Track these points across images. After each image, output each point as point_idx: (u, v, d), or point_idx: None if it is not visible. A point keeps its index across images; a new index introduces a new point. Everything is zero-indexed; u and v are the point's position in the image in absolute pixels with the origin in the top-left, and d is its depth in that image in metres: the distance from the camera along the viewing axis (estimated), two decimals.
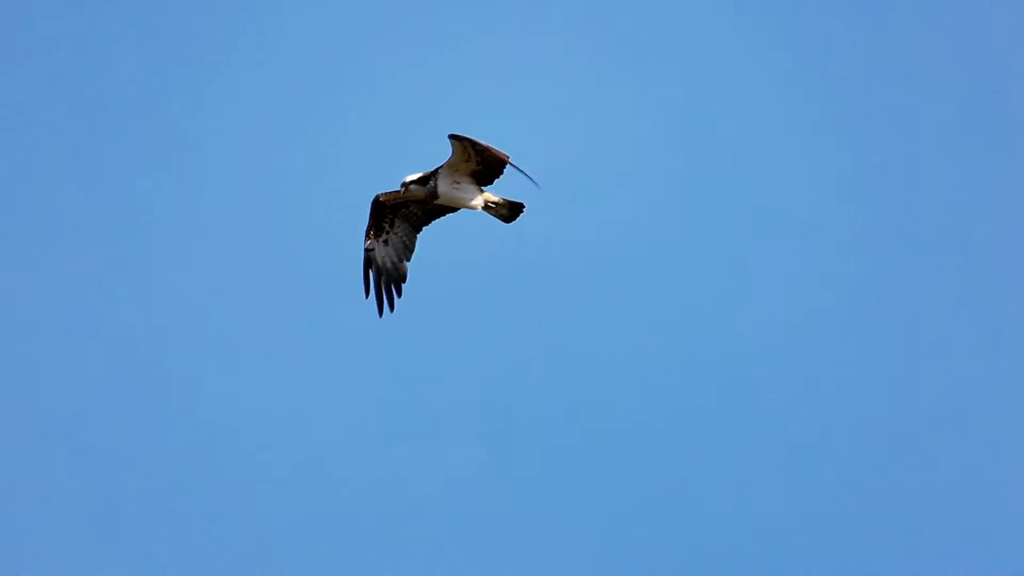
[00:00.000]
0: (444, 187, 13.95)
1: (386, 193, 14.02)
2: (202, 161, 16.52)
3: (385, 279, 14.04)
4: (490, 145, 13.42)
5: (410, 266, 14.02)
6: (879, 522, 15.00)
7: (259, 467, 15.50)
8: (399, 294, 14.03)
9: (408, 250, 14.07)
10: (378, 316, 13.88)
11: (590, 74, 16.44)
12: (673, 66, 16.51)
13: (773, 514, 15.03)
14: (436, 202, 14.05)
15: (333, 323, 15.32)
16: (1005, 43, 16.39)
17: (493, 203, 14.17)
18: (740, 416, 15.46)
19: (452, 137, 13.59)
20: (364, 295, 13.97)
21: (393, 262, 14.07)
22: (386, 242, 14.05)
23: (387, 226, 14.01)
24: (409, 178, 13.95)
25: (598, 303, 15.84)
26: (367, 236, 13.96)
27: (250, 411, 15.60)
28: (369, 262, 14.03)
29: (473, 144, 13.51)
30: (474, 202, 14.12)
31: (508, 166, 13.71)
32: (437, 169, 13.89)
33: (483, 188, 14.04)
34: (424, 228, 14.07)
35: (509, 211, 14.29)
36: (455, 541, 15.16)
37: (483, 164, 13.79)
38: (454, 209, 14.11)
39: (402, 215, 14.09)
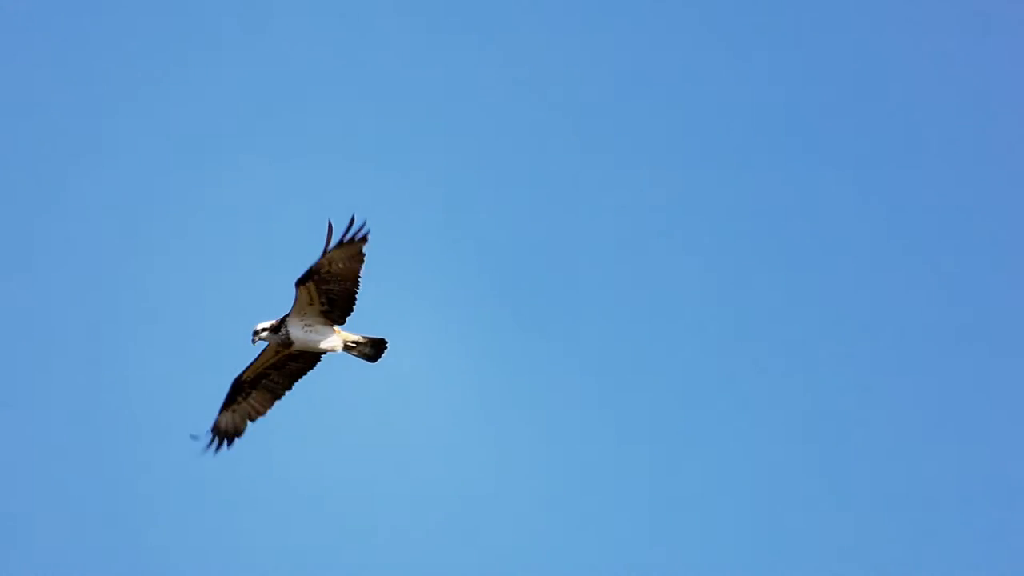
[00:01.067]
0: (296, 332, 13.64)
1: (247, 368, 13.82)
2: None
3: (221, 436, 13.88)
4: (327, 247, 13.09)
5: (252, 425, 13.91)
6: None
7: None
8: (228, 445, 13.89)
9: (256, 413, 13.89)
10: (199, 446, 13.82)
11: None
12: None
13: None
14: (293, 349, 13.75)
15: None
16: None
17: (353, 342, 13.81)
18: None
19: (299, 285, 13.34)
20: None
21: (235, 424, 13.92)
22: (234, 411, 13.90)
23: (240, 398, 13.86)
24: (259, 326, 13.67)
25: None
26: (219, 412, 13.85)
27: None
28: (214, 427, 13.93)
29: (317, 275, 13.19)
30: (331, 343, 13.77)
31: (355, 299, 13.47)
32: (285, 316, 13.60)
33: (337, 327, 13.71)
34: (286, 394, 13.90)
35: (371, 349, 13.93)
36: None
37: (329, 304, 13.48)
38: (315, 360, 13.82)
39: (262, 386, 13.88)
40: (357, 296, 13.53)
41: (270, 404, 13.89)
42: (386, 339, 13.88)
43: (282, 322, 13.58)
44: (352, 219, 13.00)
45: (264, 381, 13.86)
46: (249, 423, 13.90)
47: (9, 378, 15.83)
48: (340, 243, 13.06)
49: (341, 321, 13.68)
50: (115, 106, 16.66)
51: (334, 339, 13.72)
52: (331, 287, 13.39)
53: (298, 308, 13.52)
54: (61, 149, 16.58)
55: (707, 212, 16.47)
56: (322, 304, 13.47)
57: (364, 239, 13.12)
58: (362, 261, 13.30)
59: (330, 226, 13.01)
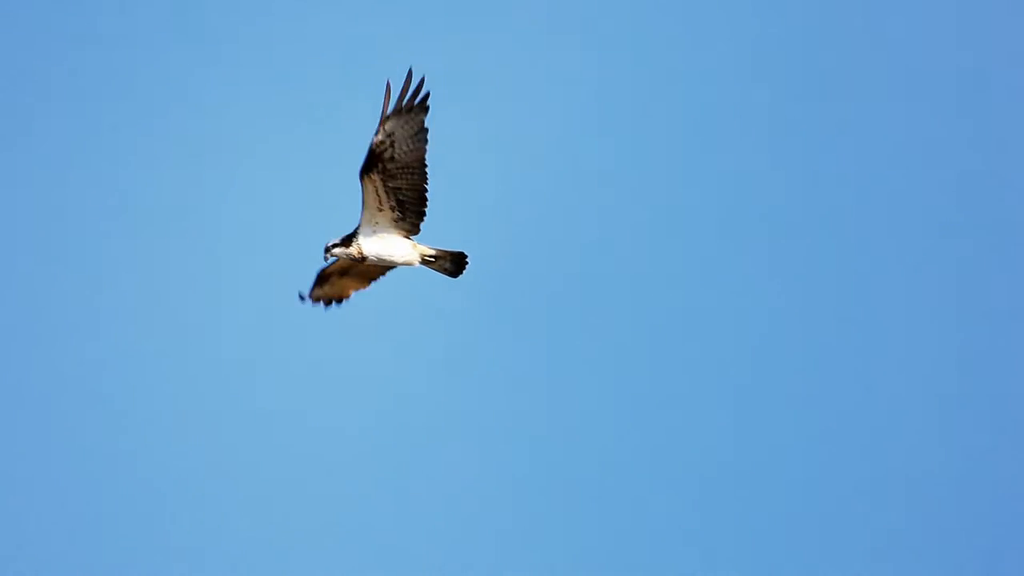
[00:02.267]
0: (369, 245, 12.90)
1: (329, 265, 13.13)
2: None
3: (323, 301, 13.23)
4: (385, 112, 12.33)
5: (355, 294, 13.17)
6: None
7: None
8: (338, 304, 13.20)
9: (353, 289, 13.15)
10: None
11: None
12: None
13: None
14: (367, 264, 13.02)
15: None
16: None
17: (430, 256, 13.04)
18: None
19: (363, 175, 12.62)
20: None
21: (335, 294, 13.21)
22: (328, 287, 13.22)
23: (330, 283, 13.18)
24: (331, 241, 12.97)
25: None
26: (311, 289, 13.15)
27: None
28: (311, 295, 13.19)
29: (380, 161, 12.44)
30: (408, 257, 13.01)
31: (426, 198, 12.72)
32: (356, 228, 12.89)
33: (412, 238, 12.96)
34: (381, 278, 13.15)
35: (452, 264, 13.15)
36: None
37: (400, 207, 12.75)
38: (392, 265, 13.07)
39: (351, 274, 13.15)
40: (428, 195, 12.80)
41: (367, 284, 13.19)
42: (466, 253, 13.11)
43: (353, 234, 12.88)
44: (410, 73, 12.35)
45: (352, 271, 13.16)
46: (353, 292, 13.19)
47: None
48: (399, 109, 12.37)
49: (415, 230, 12.94)
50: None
51: (410, 252, 12.98)
52: (398, 183, 12.67)
53: (368, 216, 12.81)
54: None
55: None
56: (392, 208, 12.74)
57: (424, 105, 12.40)
58: (426, 141, 12.56)
59: (388, 87, 12.37)
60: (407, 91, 12.42)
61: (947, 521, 14.67)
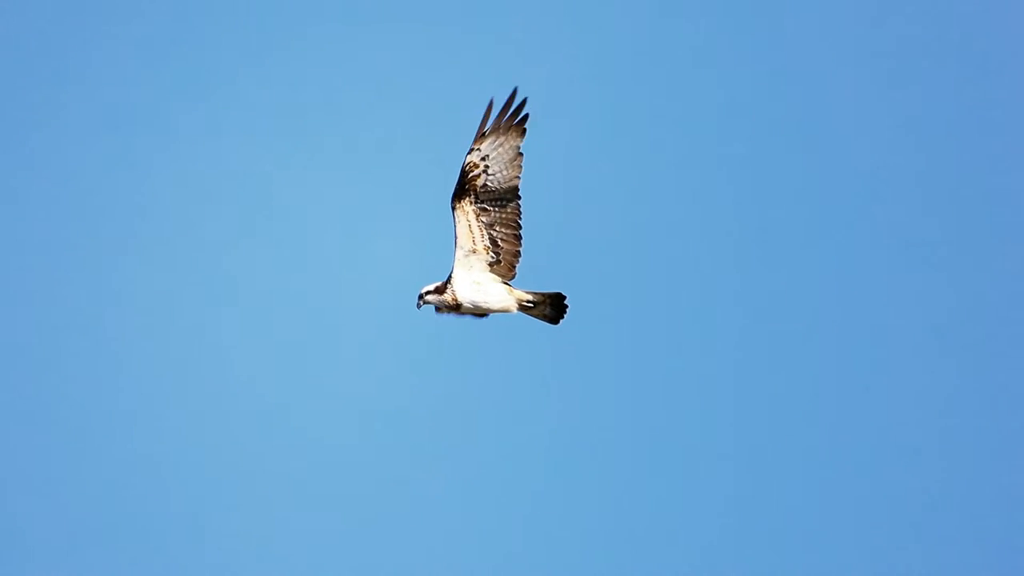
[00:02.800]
0: (464, 291, 12.33)
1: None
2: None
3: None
4: (483, 127, 11.77)
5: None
6: None
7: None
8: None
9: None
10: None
11: None
12: None
13: None
14: (462, 311, 12.48)
15: None
16: None
17: (529, 302, 12.45)
18: None
19: (455, 201, 12.12)
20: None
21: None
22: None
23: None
24: (424, 289, 12.45)
25: None
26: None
27: None
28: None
29: (474, 185, 11.93)
30: (505, 303, 12.43)
31: (520, 235, 12.21)
32: (450, 273, 12.38)
33: (509, 283, 12.41)
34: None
35: (551, 309, 12.53)
36: None
37: (494, 246, 12.21)
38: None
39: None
40: (522, 232, 12.29)
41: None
42: (564, 294, 12.52)
43: (448, 280, 12.36)
44: (515, 92, 11.90)
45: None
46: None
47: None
48: (497, 126, 11.87)
49: (511, 273, 12.40)
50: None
51: (506, 297, 12.40)
52: (492, 217, 12.14)
53: (461, 257, 12.28)
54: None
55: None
56: (487, 248, 12.21)
57: (523, 127, 11.94)
58: (520, 168, 12.08)
59: (491, 103, 11.90)
60: (509, 108, 11.92)
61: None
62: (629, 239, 14.63)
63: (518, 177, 12.09)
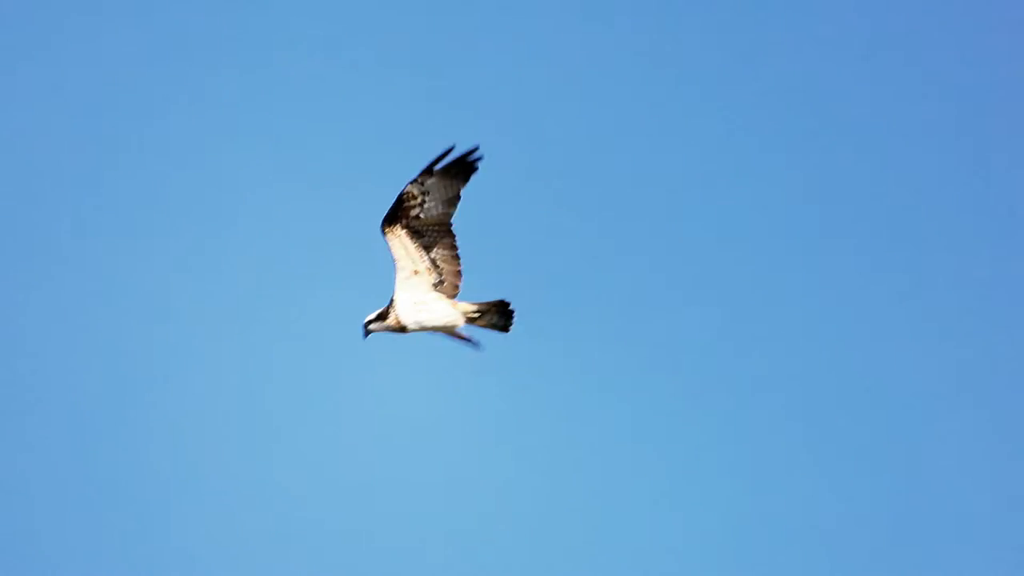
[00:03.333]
0: (406, 313, 12.22)
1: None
2: None
3: None
4: (433, 165, 11.76)
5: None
6: None
7: None
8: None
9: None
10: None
11: None
12: None
13: None
14: (409, 332, 12.34)
15: None
16: None
17: (474, 313, 12.34)
18: None
19: (385, 228, 12.00)
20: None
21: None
22: None
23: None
24: (368, 318, 12.31)
25: None
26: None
27: None
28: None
29: (407, 216, 11.84)
30: (450, 319, 12.32)
31: (458, 255, 12.08)
32: (391, 298, 12.23)
33: (452, 297, 12.28)
34: None
35: (499, 317, 12.43)
36: None
37: (434, 265, 12.08)
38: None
39: None
40: (459, 252, 12.15)
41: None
42: (508, 300, 12.41)
43: (389, 306, 12.22)
44: (477, 147, 11.78)
45: None
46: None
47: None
48: (447, 169, 11.80)
49: (454, 292, 12.27)
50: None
51: (450, 312, 12.28)
52: (428, 240, 12.01)
53: (403, 279, 12.13)
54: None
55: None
56: (428, 269, 12.08)
57: (471, 173, 11.83)
58: (455, 208, 11.98)
59: (451, 149, 11.75)
60: (468, 157, 11.86)
61: None
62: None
63: (452, 214, 11.97)
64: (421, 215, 11.96)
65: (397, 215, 11.96)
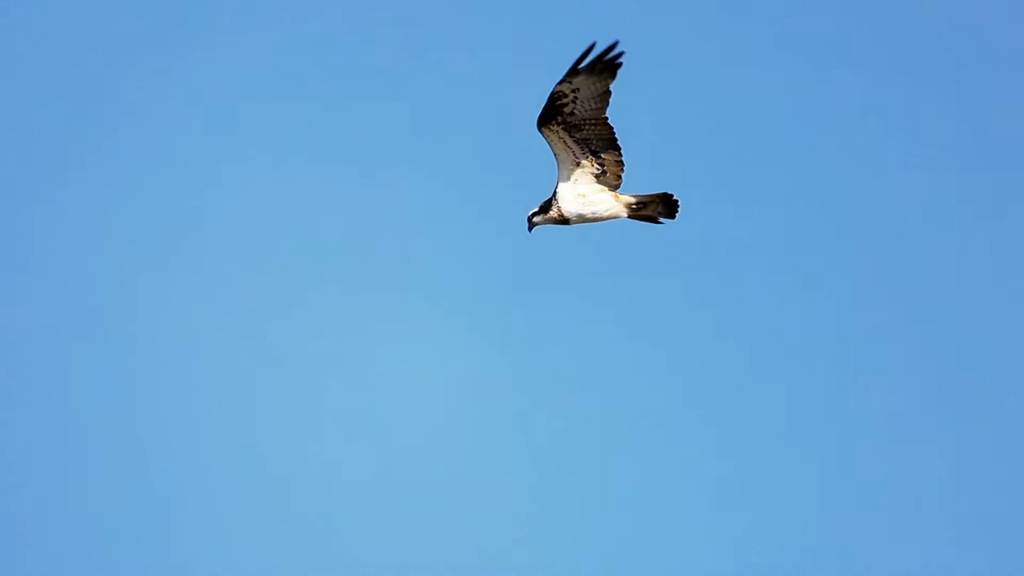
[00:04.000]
0: (569, 205, 12.23)
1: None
2: None
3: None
4: (576, 65, 11.66)
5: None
6: None
7: None
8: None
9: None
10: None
11: None
12: None
13: None
14: (572, 224, 12.33)
15: None
16: None
17: (637, 204, 12.26)
18: None
19: (542, 127, 11.95)
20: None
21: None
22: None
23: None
24: (531, 211, 12.37)
25: None
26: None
27: None
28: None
29: (561, 114, 11.78)
30: (613, 210, 12.27)
31: (619, 148, 11.98)
32: (554, 190, 12.22)
33: (615, 189, 12.21)
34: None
35: (664, 206, 12.34)
36: None
37: (594, 155, 12.03)
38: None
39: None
40: (619, 144, 12.05)
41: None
42: (672, 193, 12.30)
43: (551, 198, 12.23)
44: (616, 43, 11.68)
45: None
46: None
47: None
48: (591, 67, 11.69)
49: (616, 183, 12.20)
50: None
51: (613, 204, 12.23)
52: (585, 133, 11.97)
53: (565, 174, 12.13)
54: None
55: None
56: (591, 161, 12.05)
57: (616, 69, 11.70)
58: (607, 103, 11.87)
59: (592, 46, 11.65)
60: (608, 54, 11.72)
61: None
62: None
63: (604, 109, 11.86)
64: (576, 111, 11.87)
65: (552, 114, 11.91)
